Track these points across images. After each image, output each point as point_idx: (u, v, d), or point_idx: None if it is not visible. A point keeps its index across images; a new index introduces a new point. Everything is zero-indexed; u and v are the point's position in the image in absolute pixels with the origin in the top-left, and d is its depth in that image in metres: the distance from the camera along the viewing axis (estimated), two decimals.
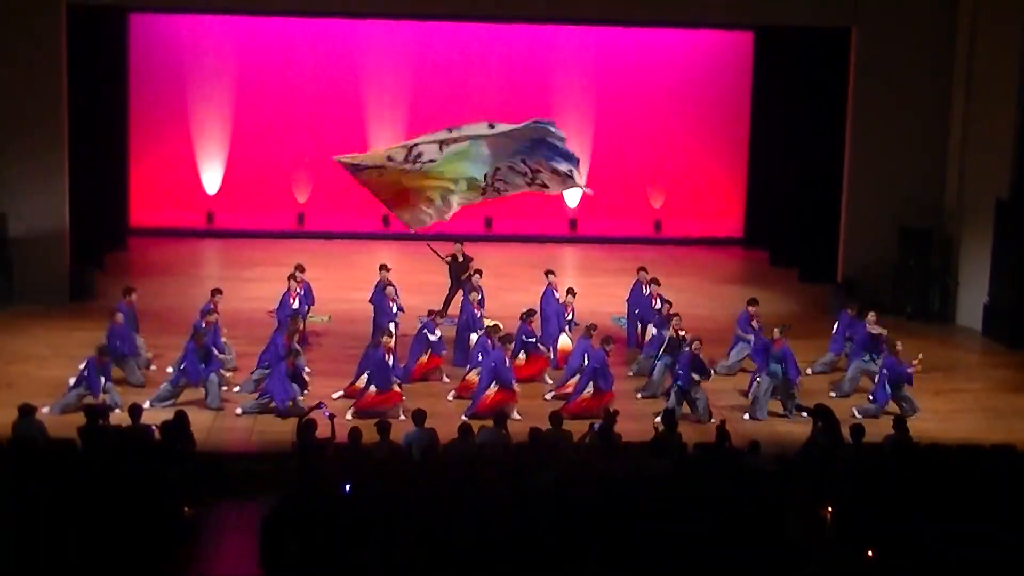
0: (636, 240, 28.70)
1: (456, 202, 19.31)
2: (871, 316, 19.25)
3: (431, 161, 18.69)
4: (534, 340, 19.08)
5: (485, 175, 18.93)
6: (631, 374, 19.46)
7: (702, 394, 17.76)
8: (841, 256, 24.88)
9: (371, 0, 24.13)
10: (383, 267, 20.36)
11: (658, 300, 20.06)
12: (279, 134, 28.83)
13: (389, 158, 18.73)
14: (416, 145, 18.80)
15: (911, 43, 23.91)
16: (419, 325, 19.14)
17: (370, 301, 19.91)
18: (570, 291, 20.21)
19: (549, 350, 19.48)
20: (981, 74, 23.30)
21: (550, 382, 19.01)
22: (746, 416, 17.90)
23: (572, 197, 19.47)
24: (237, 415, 17.45)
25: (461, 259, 21.48)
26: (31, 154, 22.83)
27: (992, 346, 22.33)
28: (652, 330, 19.79)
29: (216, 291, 19.53)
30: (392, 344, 17.90)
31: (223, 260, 26.64)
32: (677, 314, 18.92)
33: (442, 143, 18.74)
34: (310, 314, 20.59)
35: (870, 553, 12.21)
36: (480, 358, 18.25)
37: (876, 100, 24.08)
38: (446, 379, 19.08)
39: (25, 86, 22.71)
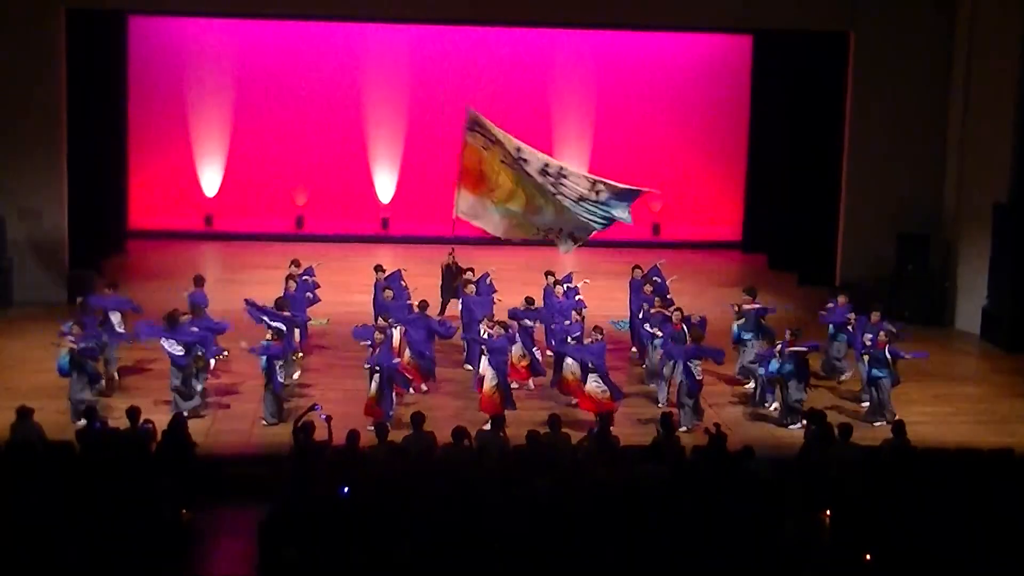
0: (634, 244, 28.64)
1: (506, 230, 21.16)
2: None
3: (525, 171, 20.26)
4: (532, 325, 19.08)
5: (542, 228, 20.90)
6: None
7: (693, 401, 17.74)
8: (839, 260, 24.90)
9: (370, 4, 24.14)
10: (378, 268, 20.42)
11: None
12: (278, 137, 28.85)
13: (503, 142, 20.39)
14: (524, 151, 20.40)
15: (909, 48, 23.93)
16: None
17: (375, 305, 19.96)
18: (559, 282, 20.31)
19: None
20: (979, 78, 23.31)
21: (532, 387, 19.00)
22: (797, 424, 17.65)
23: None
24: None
25: (454, 269, 21.56)
26: (30, 157, 22.86)
27: (990, 350, 22.34)
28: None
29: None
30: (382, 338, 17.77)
31: (222, 263, 26.64)
32: (679, 308, 18.93)
33: (544, 170, 20.35)
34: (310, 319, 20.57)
35: (868, 557, 12.21)
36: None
37: (874, 104, 24.11)
38: (423, 388, 19.04)
39: (24, 89, 22.74)
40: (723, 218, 29.65)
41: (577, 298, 20.12)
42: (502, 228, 21.17)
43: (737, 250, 29.39)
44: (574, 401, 17.81)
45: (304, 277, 20.31)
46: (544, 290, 20.25)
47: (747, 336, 19.33)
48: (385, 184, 29.15)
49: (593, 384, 17.30)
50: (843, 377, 19.73)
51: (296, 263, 20.60)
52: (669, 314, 18.83)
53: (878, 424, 17.63)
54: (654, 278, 20.71)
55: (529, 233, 21.13)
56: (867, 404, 18.34)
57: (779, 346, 17.86)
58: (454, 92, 28.50)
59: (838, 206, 24.97)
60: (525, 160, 20.29)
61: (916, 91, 24.05)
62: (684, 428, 17.16)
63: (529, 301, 19.37)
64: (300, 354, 19.54)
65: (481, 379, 17.56)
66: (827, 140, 25.29)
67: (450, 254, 21.84)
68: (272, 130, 28.79)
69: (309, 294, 20.00)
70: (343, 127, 28.82)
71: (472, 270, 20.86)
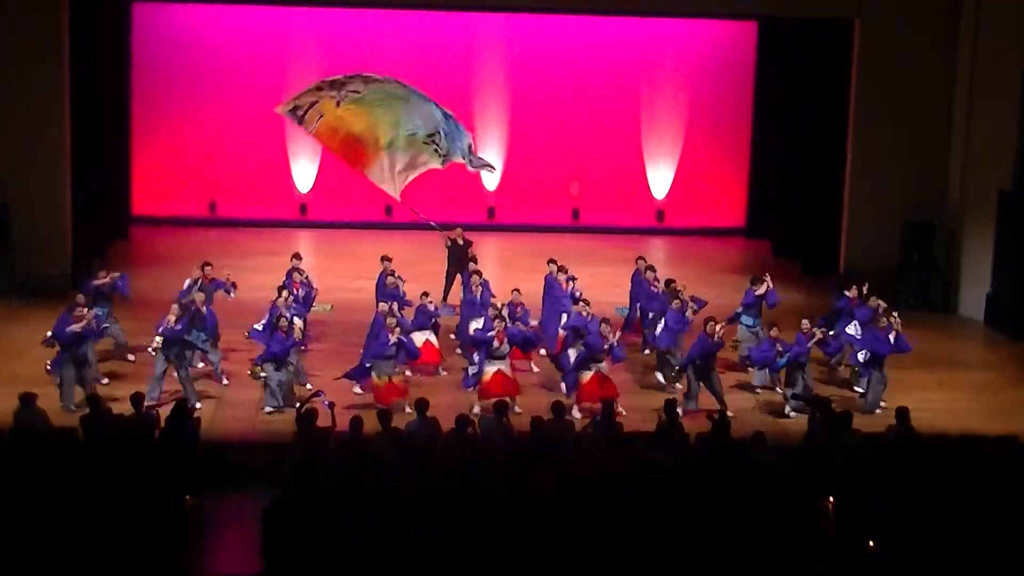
0: (639, 230, 28.69)
1: (403, 168, 19.02)
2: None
3: (355, 92, 18.81)
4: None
5: (429, 135, 18.90)
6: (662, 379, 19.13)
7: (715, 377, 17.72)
8: (843, 248, 24.88)
9: None
10: (385, 258, 20.37)
11: (660, 284, 20.02)
12: (281, 123, 28.76)
13: (318, 88, 19.03)
14: (338, 81, 19.10)
15: (914, 35, 23.87)
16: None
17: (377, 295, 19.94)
18: (562, 269, 20.24)
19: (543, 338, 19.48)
20: (984, 65, 23.25)
21: (536, 370, 19.08)
22: (791, 413, 17.75)
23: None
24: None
25: (461, 242, 21.56)
26: (33, 144, 22.83)
27: (995, 337, 22.31)
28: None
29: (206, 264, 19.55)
30: (396, 328, 17.77)
31: (225, 250, 26.58)
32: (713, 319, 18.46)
33: (365, 79, 19.05)
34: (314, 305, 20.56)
35: (871, 544, 12.21)
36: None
37: (879, 91, 24.05)
38: (442, 372, 19.07)
39: (27, 75, 22.69)
40: (727, 204, 29.61)
41: (568, 280, 20.01)
42: (422, 162, 19.25)
43: (741, 237, 29.36)
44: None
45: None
46: (546, 278, 20.24)
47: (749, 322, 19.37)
48: None
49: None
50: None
51: (298, 256, 20.53)
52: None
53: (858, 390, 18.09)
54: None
55: (432, 157, 19.17)
56: (860, 390, 18.41)
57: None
58: (456, 78, 28.49)
59: (842, 193, 24.94)
60: (344, 84, 19.24)
61: (921, 78, 23.98)
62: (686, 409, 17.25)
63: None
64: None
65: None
66: (831, 127, 25.25)
67: (456, 229, 21.81)
68: (275, 116, 28.64)
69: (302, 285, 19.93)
70: None
71: (476, 259, 20.82)
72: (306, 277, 19.88)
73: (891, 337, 17.98)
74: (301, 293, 19.53)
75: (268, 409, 17.26)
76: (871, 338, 18.10)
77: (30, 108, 22.81)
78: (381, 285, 19.84)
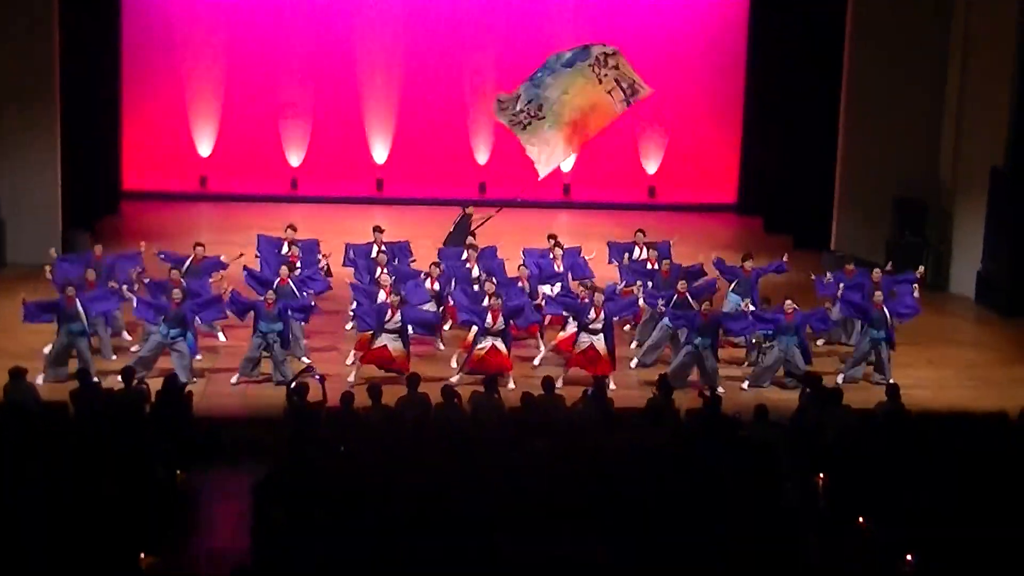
0: (630, 206, 28.64)
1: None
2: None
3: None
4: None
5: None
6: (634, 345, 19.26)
7: (712, 360, 17.66)
8: (835, 224, 24.87)
9: None
10: (377, 228, 20.40)
11: (656, 264, 20.00)
12: (272, 98, 28.71)
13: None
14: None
15: (908, 9, 23.87)
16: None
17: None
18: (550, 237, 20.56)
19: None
20: (978, 41, 23.22)
21: (543, 348, 19.05)
22: (744, 385, 17.84)
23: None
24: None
25: (468, 224, 21.70)
26: (23, 118, 22.77)
27: (985, 314, 22.35)
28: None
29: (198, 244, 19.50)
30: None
31: (216, 224, 26.56)
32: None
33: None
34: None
35: (862, 520, 12.23)
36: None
37: (872, 66, 24.03)
38: (441, 347, 19.07)
39: (18, 50, 22.61)
40: (719, 180, 29.58)
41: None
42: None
43: (733, 212, 29.33)
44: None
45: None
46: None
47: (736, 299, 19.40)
48: (380, 145, 29.04)
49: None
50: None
51: (292, 227, 20.54)
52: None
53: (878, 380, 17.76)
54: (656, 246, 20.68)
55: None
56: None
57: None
58: (448, 53, 28.42)
59: (835, 170, 24.92)
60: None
61: (915, 54, 23.96)
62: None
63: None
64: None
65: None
66: (824, 102, 25.21)
67: (466, 208, 22.04)
68: (267, 90, 28.65)
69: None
70: (338, 87, 28.68)
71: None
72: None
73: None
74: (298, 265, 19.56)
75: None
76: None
77: (21, 83, 22.71)
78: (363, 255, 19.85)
